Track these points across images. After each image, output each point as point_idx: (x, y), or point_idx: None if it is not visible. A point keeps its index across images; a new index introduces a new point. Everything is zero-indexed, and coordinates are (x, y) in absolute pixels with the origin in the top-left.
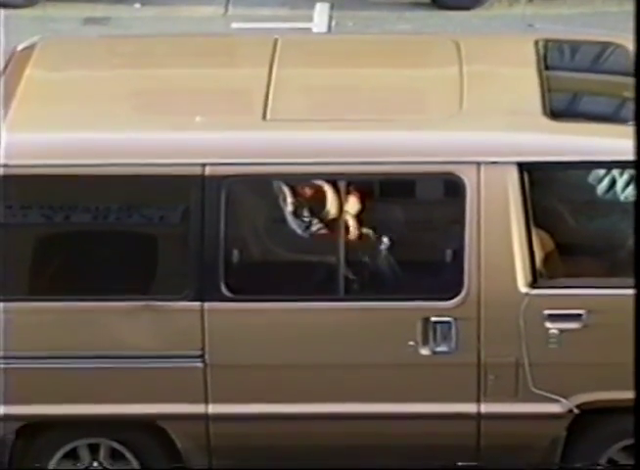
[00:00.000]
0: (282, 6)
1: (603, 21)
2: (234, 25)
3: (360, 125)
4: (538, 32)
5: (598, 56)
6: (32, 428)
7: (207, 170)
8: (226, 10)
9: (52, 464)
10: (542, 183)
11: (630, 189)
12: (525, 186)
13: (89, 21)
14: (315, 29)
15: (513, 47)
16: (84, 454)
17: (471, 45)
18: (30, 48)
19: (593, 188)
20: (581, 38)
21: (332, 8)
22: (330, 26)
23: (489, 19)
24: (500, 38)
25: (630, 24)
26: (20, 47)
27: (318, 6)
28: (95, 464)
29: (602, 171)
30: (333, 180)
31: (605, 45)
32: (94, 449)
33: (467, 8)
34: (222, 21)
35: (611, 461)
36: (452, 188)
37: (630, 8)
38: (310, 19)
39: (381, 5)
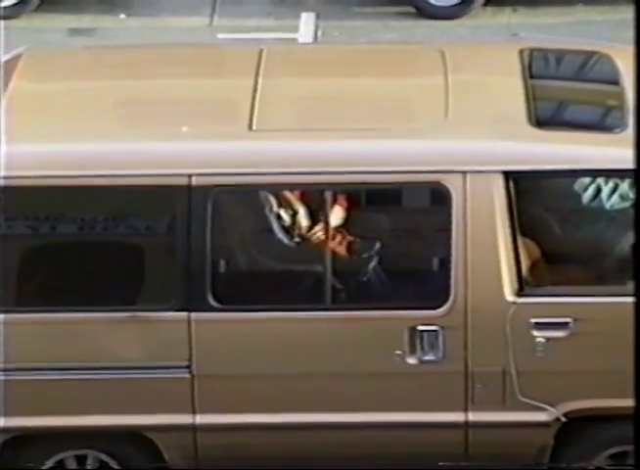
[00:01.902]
0: (268, 16)
1: (587, 30)
2: (220, 36)
3: (346, 135)
4: (523, 41)
5: (582, 65)
6: (19, 440)
7: (194, 181)
8: (212, 20)
9: None
10: (528, 192)
11: (615, 197)
12: (512, 195)
13: (75, 32)
14: (301, 39)
15: (498, 56)
16: (71, 466)
17: (456, 54)
18: (15, 59)
19: (579, 196)
20: (566, 47)
21: (318, 18)
22: (316, 36)
23: (474, 28)
24: (485, 48)
25: (614, 34)
26: (4, 58)
27: (304, 16)
28: None
29: (587, 180)
30: (320, 190)
31: (589, 54)
32: (81, 461)
33: (452, 17)
34: (208, 31)
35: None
36: (438, 197)
37: (613, 17)
38: (296, 29)
39: (366, 15)
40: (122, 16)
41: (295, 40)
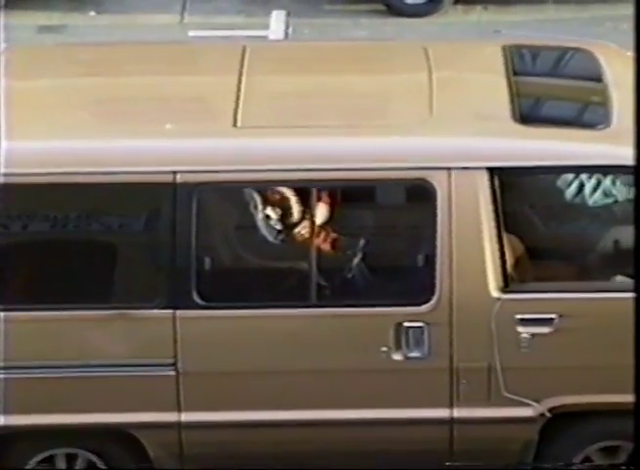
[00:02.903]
0: (238, 14)
1: (556, 27)
2: (191, 34)
3: (331, 132)
4: (505, 38)
5: (565, 61)
6: (4, 438)
7: (179, 178)
8: (182, 18)
9: None
10: (513, 188)
11: (598, 194)
12: (496, 191)
13: (44, 29)
14: (272, 37)
15: (481, 53)
16: (58, 464)
17: (439, 51)
18: None
19: (562, 193)
20: (548, 44)
21: (288, 15)
22: (286, 34)
23: (445, 26)
24: (468, 45)
25: (583, 31)
26: None
27: (274, 14)
28: None
29: (570, 176)
30: (304, 187)
31: (572, 51)
32: (68, 459)
33: (422, 15)
34: (179, 29)
35: (587, 460)
36: (423, 194)
37: (582, 14)
38: (267, 26)
39: (337, 12)
40: (92, 13)
41: (265, 38)
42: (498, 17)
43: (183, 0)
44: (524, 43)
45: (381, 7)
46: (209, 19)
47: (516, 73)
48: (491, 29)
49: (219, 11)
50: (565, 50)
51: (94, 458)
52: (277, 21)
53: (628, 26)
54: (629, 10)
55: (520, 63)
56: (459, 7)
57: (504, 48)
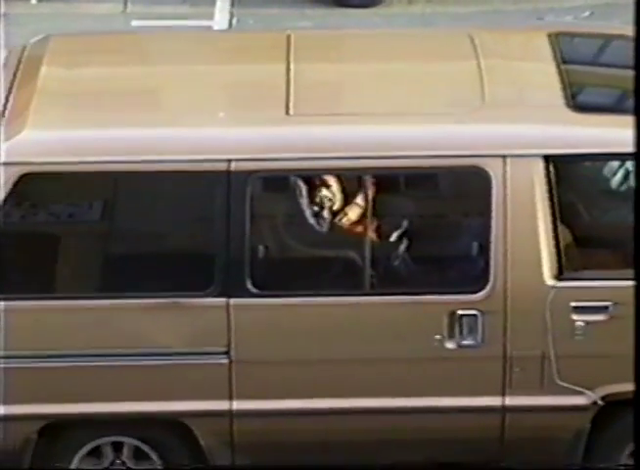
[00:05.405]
0: (182, 3)
1: (500, 19)
2: (134, 23)
3: (384, 120)
4: (548, 25)
5: (611, 48)
6: (55, 427)
7: (233, 166)
8: (125, 7)
9: (74, 464)
10: (567, 175)
11: None
12: (551, 178)
13: None
14: (216, 27)
15: (527, 40)
16: (107, 453)
17: (485, 38)
18: (41, 44)
19: (610, 180)
20: (592, 31)
21: (232, 5)
22: (231, 24)
23: (390, 16)
24: (512, 31)
25: (526, 23)
26: (29, 44)
27: (219, 3)
28: (118, 462)
29: (616, 163)
30: (359, 175)
31: (616, 37)
32: (117, 448)
33: (367, 6)
34: (121, 18)
35: None
36: (478, 181)
37: (525, 7)
38: (211, 16)
39: (281, 2)
40: (33, 1)
41: (210, 27)
42: (442, 8)
43: None
44: (568, 30)
45: None
46: (153, 8)
47: (564, 60)
48: (435, 21)
49: (163, 0)
50: (609, 37)
51: (145, 447)
52: (221, 10)
53: (570, 19)
54: (571, 2)
55: (567, 50)
56: None
57: (550, 35)
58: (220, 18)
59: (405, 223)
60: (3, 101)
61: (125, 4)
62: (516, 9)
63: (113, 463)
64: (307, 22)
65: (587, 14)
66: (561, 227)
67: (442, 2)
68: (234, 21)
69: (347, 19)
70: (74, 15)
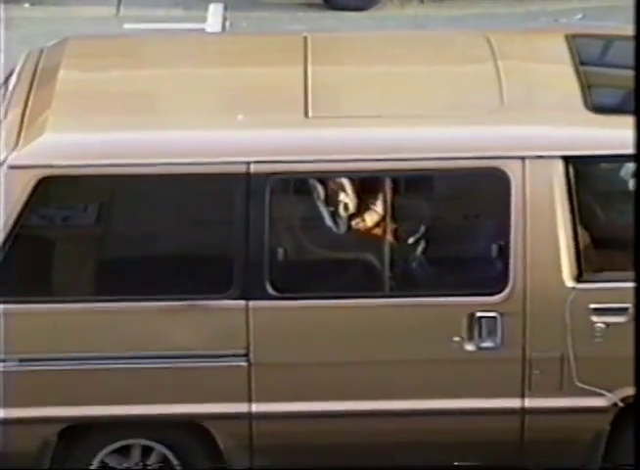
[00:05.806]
0: (175, 7)
1: (493, 22)
2: (127, 26)
3: (403, 122)
4: (564, 27)
5: (628, 49)
6: (74, 430)
7: (252, 168)
8: (118, 11)
9: (92, 466)
10: (586, 177)
11: None
12: (570, 180)
13: None
14: (209, 30)
15: (544, 42)
16: (126, 455)
17: (502, 40)
18: (60, 47)
19: (628, 182)
20: (609, 32)
21: (225, 9)
22: (224, 27)
23: (382, 19)
24: (529, 33)
25: (519, 26)
26: (46, 47)
27: (212, 7)
28: (136, 464)
29: (635, 164)
30: (378, 177)
31: (632, 38)
32: (130, 451)
33: (359, 9)
34: (114, 21)
35: None
36: (497, 183)
37: (518, 9)
38: (204, 19)
39: (274, 6)
40: (27, 5)
41: (202, 31)
42: (434, 11)
43: None
44: (585, 32)
45: (318, 0)
46: (146, 11)
47: (582, 62)
48: (427, 23)
49: (156, 3)
50: (626, 38)
51: (163, 449)
52: (214, 14)
53: (563, 21)
54: (564, 5)
55: (584, 51)
56: (395, 1)
57: (567, 36)
58: (213, 20)
59: (424, 225)
60: (22, 104)
61: (118, 7)
62: (508, 12)
63: (131, 466)
64: (300, 25)
65: (580, 16)
66: (580, 229)
67: (435, 5)
68: (227, 24)
69: (340, 22)
70: (67, 18)
